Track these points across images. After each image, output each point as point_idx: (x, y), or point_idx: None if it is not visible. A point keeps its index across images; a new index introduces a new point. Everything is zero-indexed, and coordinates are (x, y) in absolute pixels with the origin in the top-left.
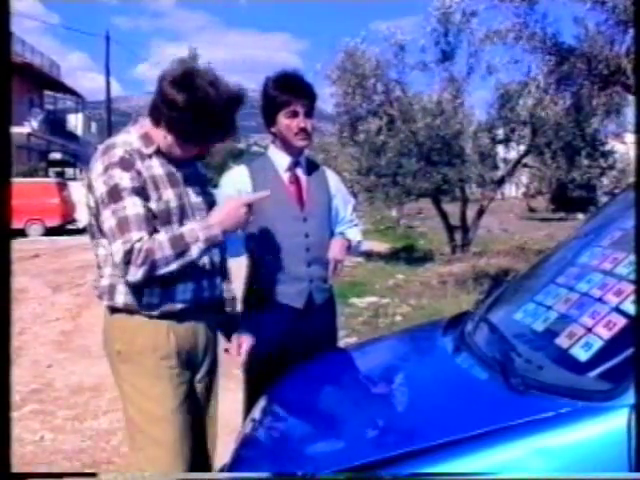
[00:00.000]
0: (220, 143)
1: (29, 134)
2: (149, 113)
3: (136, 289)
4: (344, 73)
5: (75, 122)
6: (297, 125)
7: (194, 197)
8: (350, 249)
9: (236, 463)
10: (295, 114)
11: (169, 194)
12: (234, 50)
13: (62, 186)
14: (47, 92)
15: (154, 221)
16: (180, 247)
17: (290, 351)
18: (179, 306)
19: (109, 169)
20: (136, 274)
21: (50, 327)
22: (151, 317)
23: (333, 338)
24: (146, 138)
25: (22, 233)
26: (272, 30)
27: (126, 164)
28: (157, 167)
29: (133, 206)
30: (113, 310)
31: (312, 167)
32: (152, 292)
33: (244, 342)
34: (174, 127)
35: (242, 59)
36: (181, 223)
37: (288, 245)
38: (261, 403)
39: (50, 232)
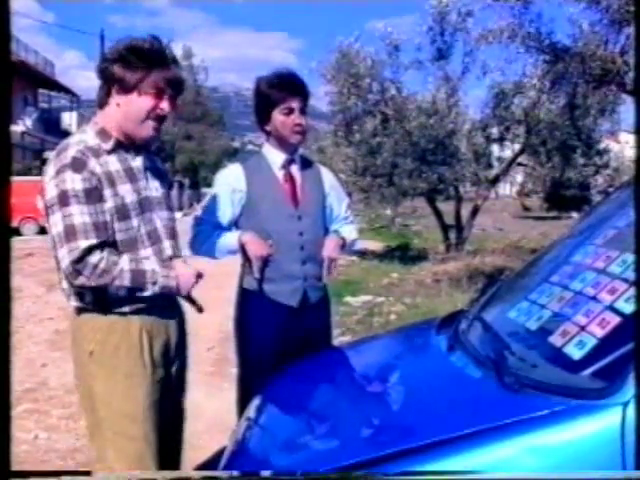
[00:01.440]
0: (172, 96)
1: (23, 133)
2: (99, 101)
3: (104, 289)
4: (339, 72)
5: (69, 121)
6: (293, 121)
7: (154, 191)
8: (345, 247)
9: (230, 462)
10: (291, 111)
11: (126, 189)
12: (229, 49)
13: None
14: (41, 90)
15: (108, 223)
16: (137, 283)
17: (285, 349)
18: (148, 299)
19: (60, 172)
20: (83, 283)
21: (44, 326)
22: (123, 314)
23: (327, 336)
24: (103, 133)
25: (16, 232)
26: (267, 29)
27: (77, 165)
28: (114, 163)
29: (80, 214)
30: (81, 310)
31: (307, 165)
32: (118, 289)
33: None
34: (123, 81)
35: (237, 58)
36: (141, 217)
37: (282, 243)
38: (255, 402)
39: (44, 231)
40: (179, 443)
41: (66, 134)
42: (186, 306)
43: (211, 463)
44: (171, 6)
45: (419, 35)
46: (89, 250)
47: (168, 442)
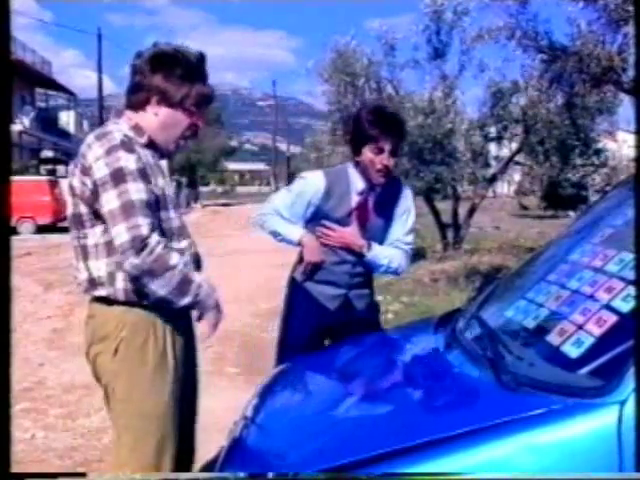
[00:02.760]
0: (205, 106)
1: (21, 132)
2: (132, 102)
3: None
4: (335, 71)
5: (67, 120)
6: (380, 161)
7: (171, 190)
8: (364, 255)
9: (226, 461)
10: (381, 150)
11: (162, 181)
12: (228, 47)
13: (54, 184)
14: (39, 89)
15: (160, 205)
16: (182, 288)
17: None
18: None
19: (112, 151)
20: (134, 264)
21: (41, 325)
22: (149, 309)
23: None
24: (137, 129)
25: (13, 231)
26: (266, 28)
27: (128, 146)
28: (148, 156)
29: (137, 191)
30: (110, 302)
31: (391, 187)
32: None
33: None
34: (166, 94)
35: (236, 56)
36: (174, 211)
37: (337, 257)
38: (253, 401)
39: (41, 230)
40: (193, 443)
41: (64, 133)
42: None
43: (209, 462)
44: (170, 5)
45: (415, 34)
46: (149, 229)
47: (184, 442)
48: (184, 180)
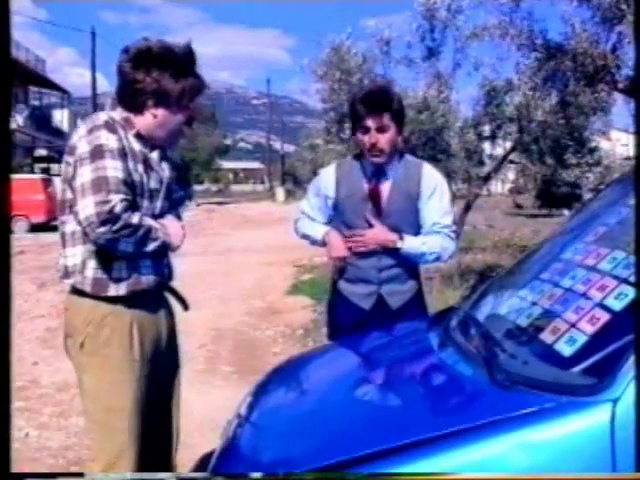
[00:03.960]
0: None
1: (14, 130)
2: (126, 102)
3: (106, 265)
4: (330, 69)
5: (61, 118)
6: (368, 141)
7: (159, 184)
8: (399, 249)
9: (220, 460)
10: (367, 129)
11: (140, 169)
12: (223, 46)
13: (47, 182)
14: (32, 88)
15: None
16: (145, 237)
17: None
18: (144, 282)
19: (94, 130)
20: (99, 233)
21: (35, 324)
22: (116, 302)
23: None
24: (128, 121)
25: None
26: (261, 26)
27: (111, 127)
28: (135, 143)
29: (114, 169)
30: (82, 294)
31: (408, 168)
32: (120, 267)
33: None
34: (162, 96)
35: (230, 55)
36: (148, 201)
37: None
38: (247, 399)
39: (35, 228)
40: (170, 441)
41: (57, 132)
42: (175, 305)
43: (203, 460)
44: (164, 3)
45: (409, 33)
46: (121, 208)
47: (159, 440)
48: None
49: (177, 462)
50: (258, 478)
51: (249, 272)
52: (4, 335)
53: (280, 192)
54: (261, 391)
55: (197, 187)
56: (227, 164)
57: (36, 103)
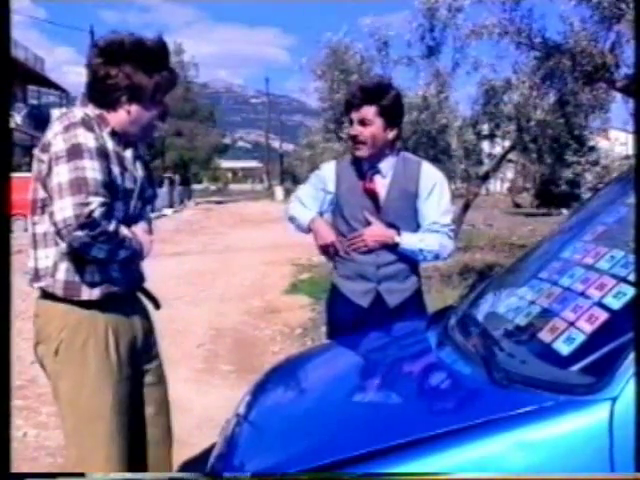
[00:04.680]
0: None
1: (13, 129)
2: (97, 99)
3: (78, 268)
4: (328, 68)
5: None
6: (349, 133)
7: (134, 183)
8: (396, 248)
9: (218, 458)
10: (350, 122)
11: (116, 170)
12: (222, 45)
13: None
14: (31, 87)
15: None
16: (118, 249)
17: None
18: (116, 286)
19: (71, 128)
20: (75, 237)
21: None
22: (89, 307)
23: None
24: (101, 118)
25: None
26: (260, 25)
27: (88, 125)
28: (110, 142)
29: (92, 170)
30: (53, 299)
31: (406, 166)
32: (93, 270)
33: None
34: (136, 91)
35: (229, 54)
36: (121, 202)
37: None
38: (246, 398)
39: None
40: (164, 441)
41: None
42: (170, 306)
43: (201, 459)
44: (163, 2)
45: (409, 32)
46: (100, 213)
47: (151, 441)
48: (177, 178)
49: (175, 461)
50: (255, 477)
51: (248, 271)
52: (4, 335)
53: (279, 191)
54: (260, 390)
55: (196, 186)
56: (226, 163)
57: (35, 102)
